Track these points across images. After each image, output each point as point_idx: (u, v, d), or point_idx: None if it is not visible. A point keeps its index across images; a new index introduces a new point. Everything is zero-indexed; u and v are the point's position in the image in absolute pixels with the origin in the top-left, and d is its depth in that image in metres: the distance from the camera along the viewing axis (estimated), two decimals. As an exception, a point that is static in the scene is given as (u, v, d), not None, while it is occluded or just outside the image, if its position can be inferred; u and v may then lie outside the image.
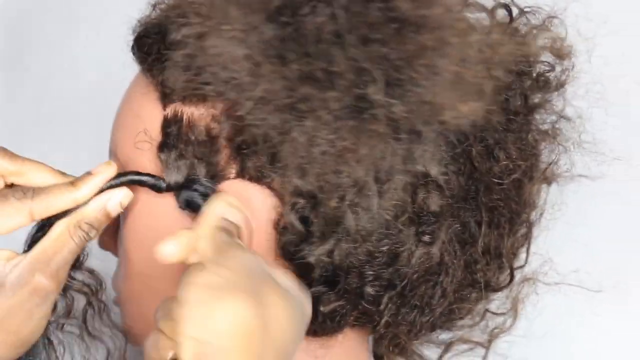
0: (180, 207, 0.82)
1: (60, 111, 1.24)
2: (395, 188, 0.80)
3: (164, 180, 0.82)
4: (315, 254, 0.80)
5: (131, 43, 0.87)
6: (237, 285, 0.72)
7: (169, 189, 0.82)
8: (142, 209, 0.84)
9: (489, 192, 0.85)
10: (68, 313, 0.90)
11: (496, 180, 0.85)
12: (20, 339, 0.82)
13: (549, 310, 0.99)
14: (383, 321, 0.84)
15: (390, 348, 0.89)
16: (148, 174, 0.83)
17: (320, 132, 0.76)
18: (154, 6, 0.87)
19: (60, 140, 1.25)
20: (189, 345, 0.71)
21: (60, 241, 0.82)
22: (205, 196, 0.81)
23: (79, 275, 0.89)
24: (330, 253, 0.80)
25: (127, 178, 0.84)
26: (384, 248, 0.81)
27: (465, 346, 0.95)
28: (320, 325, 0.83)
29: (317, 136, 0.76)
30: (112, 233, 0.90)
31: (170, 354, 0.72)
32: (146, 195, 0.84)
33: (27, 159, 0.84)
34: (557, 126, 0.91)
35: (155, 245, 0.78)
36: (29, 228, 0.84)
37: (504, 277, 0.90)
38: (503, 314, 0.94)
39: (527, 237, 0.91)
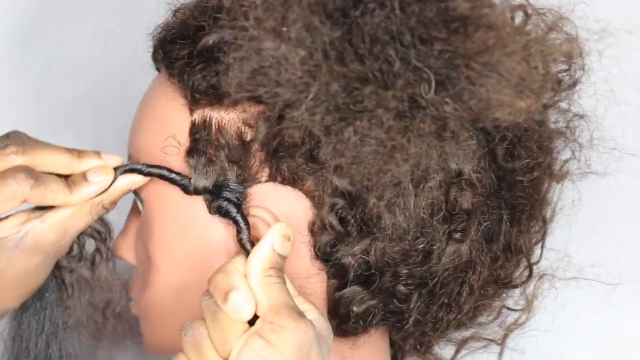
0: (211, 212, 0.82)
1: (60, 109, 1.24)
2: (432, 187, 0.81)
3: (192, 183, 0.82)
4: (351, 253, 0.81)
5: (153, 49, 0.86)
6: None
7: (197, 192, 0.82)
8: (171, 215, 0.84)
9: (512, 189, 0.86)
10: (79, 257, 0.93)
11: (519, 178, 0.86)
12: (29, 291, 0.86)
13: (567, 305, 1.00)
14: (412, 319, 0.84)
15: (416, 346, 0.90)
16: (179, 173, 0.83)
17: (372, 131, 0.77)
18: (175, 12, 0.86)
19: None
20: None
21: (79, 215, 0.84)
22: (237, 204, 0.81)
23: None
24: (365, 252, 0.81)
25: (158, 171, 0.84)
26: (420, 246, 0.82)
27: (478, 344, 0.96)
28: (352, 326, 0.84)
29: (369, 135, 0.77)
30: (130, 241, 0.90)
31: None
32: (175, 201, 0.84)
33: (40, 147, 0.84)
34: (571, 124, 0.92)
35: (185, 251, 0.82)
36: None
37: (521, 273, 0.92)
38: (521, 310, 0.95)
39: (544, 233, 0.93)
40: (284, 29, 0.77)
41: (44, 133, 1.22)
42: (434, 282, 0.83)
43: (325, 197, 0.80)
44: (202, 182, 0.82)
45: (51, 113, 1.23)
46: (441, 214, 0.82)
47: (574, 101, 0.91)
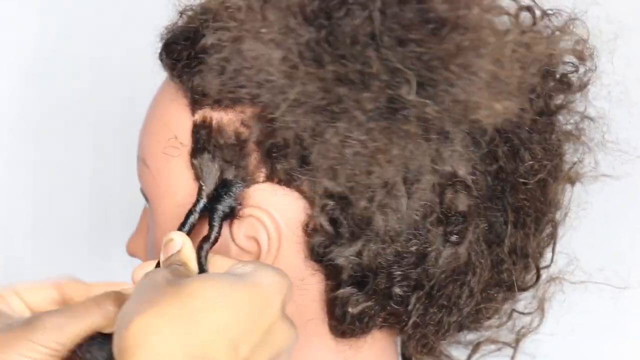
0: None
1: (62, 111, 1.25)
2: (424, 188, 0.81)
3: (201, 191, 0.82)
4: (344, 255, 0.81)
5: (159, 50, 0.87)
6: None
7: (209, 199, 0.82)
8: (175, 213, 0.84)
9: (515, 192, 0.86)
10: None
11: (522, 180, 0.86)
12: None
13: (576, 309, 0.99)
14: (411, 322, 0.84)
15: (419, 349, 0.89)
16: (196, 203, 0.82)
17: (353, 133, 0.78)
18: (182, 13, 0.87)
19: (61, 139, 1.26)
20: None
21: None
22: (227, 213, 0.81)
23: None
24: (358, 254, 0.81)
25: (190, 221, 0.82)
26: (413, 248, 0.81)
27: (493, 346, 0.96)
28: (349, 327, 0.84)
29: (350, 137, 0.78)
30: (142, 239, 0.91)
31: None
32: (177, 200, 0.84)
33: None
34: (580, 126, 0.91)
35: None
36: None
37: (530, 276, 0.91)
38: (530, 313, 0.94)
39: (553, 236, 0.92)
40: (263, 30, 0.78)
41: (44, 133, 1.23)
42: (431, 284, 0.83)
43: (317, 198, 0.81)
44: (209, 182, 0.82)
45: (51, 113, 1.23)
46: (434, 216, 0.81)
47: (589, 103, 0.90)
